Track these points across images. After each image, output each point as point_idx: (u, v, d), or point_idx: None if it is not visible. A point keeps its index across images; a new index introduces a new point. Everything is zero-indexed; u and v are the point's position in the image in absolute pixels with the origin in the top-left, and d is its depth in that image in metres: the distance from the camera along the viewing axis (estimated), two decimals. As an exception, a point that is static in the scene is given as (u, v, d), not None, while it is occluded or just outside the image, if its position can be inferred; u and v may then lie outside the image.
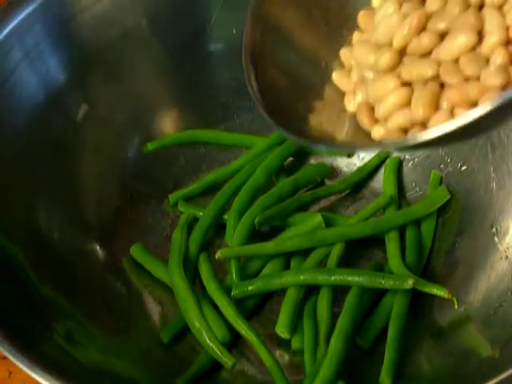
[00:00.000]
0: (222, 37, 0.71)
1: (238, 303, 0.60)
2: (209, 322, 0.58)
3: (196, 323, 0.58)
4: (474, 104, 0.42)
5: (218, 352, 0.57)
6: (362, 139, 0.47)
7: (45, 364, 0.48)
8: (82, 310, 0.58)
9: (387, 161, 0.69)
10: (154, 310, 0.62)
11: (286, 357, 0.59)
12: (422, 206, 0.64)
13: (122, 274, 0.64)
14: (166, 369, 0.58)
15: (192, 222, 0.66)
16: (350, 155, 0.70)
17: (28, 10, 0.62)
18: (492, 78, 0.41)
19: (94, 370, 0.53)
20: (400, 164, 0.69)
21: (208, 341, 0.57)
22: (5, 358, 0.49)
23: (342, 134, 0.48)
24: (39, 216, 0.62)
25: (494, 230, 0.61)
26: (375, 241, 0.64)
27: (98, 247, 0.64)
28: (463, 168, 0.66)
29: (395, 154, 0.69)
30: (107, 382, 0.54)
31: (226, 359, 0.56)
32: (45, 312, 0.55)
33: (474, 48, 0.43)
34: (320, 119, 0.49)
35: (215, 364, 0.57)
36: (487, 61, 0.43)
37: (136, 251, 0.65)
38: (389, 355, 0.56)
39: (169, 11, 0.70)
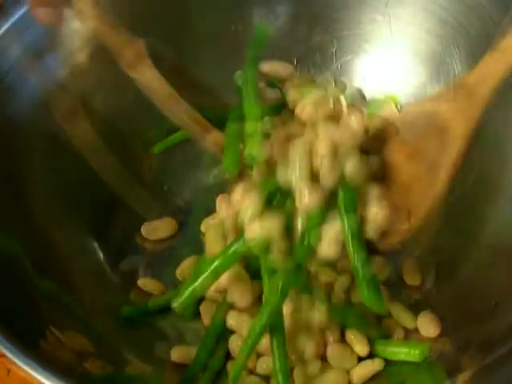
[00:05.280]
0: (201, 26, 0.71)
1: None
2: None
3: None
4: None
5: None
6: None
7: (43, 362, 0.48)
8: (81, 307, 0.58)
9: None
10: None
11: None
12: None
13: (119, 271, 0.64)
14: (168, 365, 0.58)
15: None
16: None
17: (26, 6, 0.62)
18: None
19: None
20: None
21: None
22: (3, 356, 0.49)
23: None
24: (38, 212, 0.61)
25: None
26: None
27: (95, 244, 0.64)
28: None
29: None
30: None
31: None
32: (44, 310, 0.55)
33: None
34: None
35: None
36: None
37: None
38: None
39: (165, 9, 0.69)
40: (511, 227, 0.60)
